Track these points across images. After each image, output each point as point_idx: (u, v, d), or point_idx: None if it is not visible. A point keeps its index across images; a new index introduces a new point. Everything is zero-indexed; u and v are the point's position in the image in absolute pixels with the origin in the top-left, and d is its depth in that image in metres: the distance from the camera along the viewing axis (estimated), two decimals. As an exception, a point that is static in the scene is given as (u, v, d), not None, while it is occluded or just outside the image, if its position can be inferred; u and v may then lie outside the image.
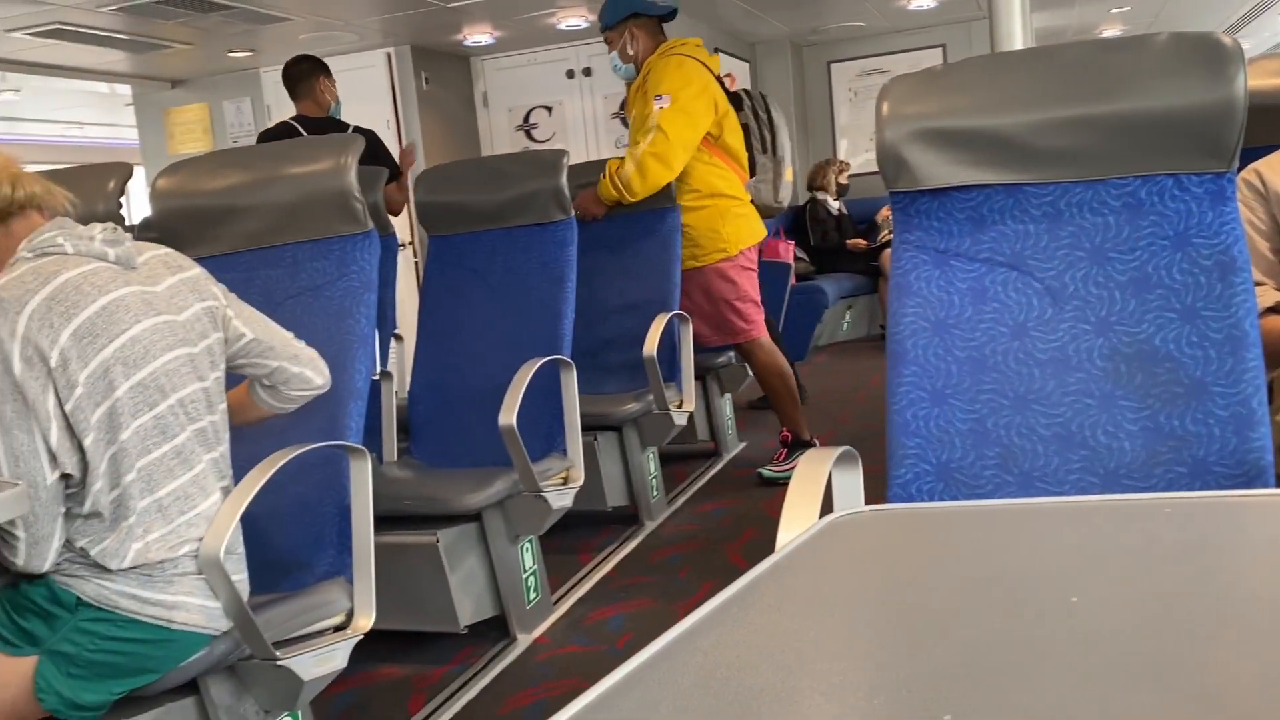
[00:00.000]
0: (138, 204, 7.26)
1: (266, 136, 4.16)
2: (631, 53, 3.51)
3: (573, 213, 2.87)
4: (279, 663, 1.64)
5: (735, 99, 3.66)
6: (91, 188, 2.38)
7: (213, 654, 1.60)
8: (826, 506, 1.14)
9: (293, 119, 4.13)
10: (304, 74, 4.18)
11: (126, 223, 2.11)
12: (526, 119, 7.16)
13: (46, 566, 1.46)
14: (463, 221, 2.93)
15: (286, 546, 1.93)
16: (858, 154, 7.90)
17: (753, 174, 3.75)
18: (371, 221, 2.07)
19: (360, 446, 1.88)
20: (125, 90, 7.43)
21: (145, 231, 2.49)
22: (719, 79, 3.54)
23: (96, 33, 5.69)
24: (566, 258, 2.85)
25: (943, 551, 0.80)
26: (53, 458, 1.44)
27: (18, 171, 1.56)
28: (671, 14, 3.59)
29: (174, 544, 1.54)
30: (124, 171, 2.13)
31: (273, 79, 6.86)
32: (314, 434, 1.91)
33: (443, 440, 2.84)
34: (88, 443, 1.47)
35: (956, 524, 0.87)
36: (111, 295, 1.51)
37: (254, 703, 1.72)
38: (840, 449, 1.31)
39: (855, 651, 0.62)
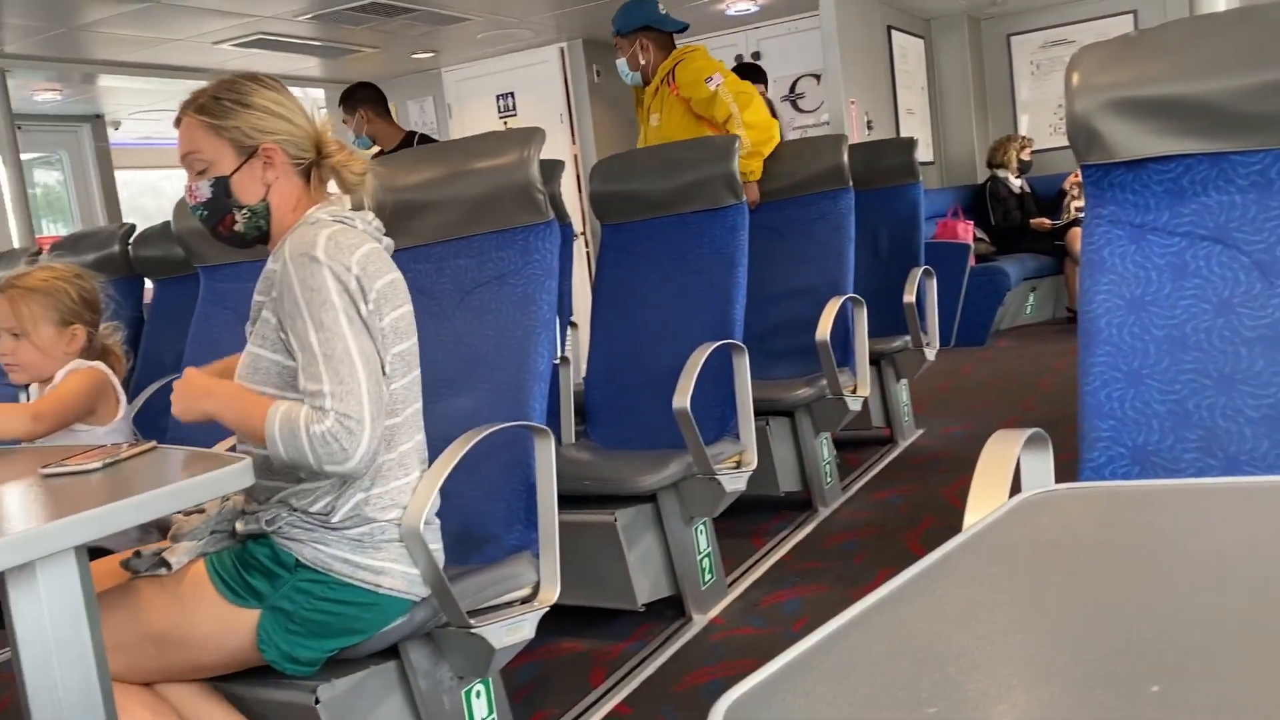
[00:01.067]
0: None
1: None
2: (642, 62, 3.75)
3: (744, 198, 2.88)
4: (473, 630, 1.73)
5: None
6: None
7: (413, 620, 1.70)
8: (1014, 490, 1.12)
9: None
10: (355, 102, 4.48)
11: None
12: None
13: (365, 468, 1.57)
14: (635, 210, 2.99)
15: (477, 521, 2.03)
16: (1040, 129, 7.56)
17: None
18: (552, 211, 2.14)
19: (544, 427, 1.96)
20: (317, 94, 7.87)
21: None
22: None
23: (293, 41, 6.06)
24: (738, 242, 2.86)
25: (1141, 530, 0.77)
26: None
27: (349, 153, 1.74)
28: (682, 29, 3.83)
29: (384, 506, 1.65)
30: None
31: (453, 78, 7.15)
32: (501, 415, 2.00)
33: (618, 423, 2.90)
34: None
35: (1155, 502, 0.84)
36: (394, 274, 1.68)
37: (449, 669, 1.82)
38: (1029, 430, 1.27)
39: (1053, 624, 0.62)
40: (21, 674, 1.23)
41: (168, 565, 1.61)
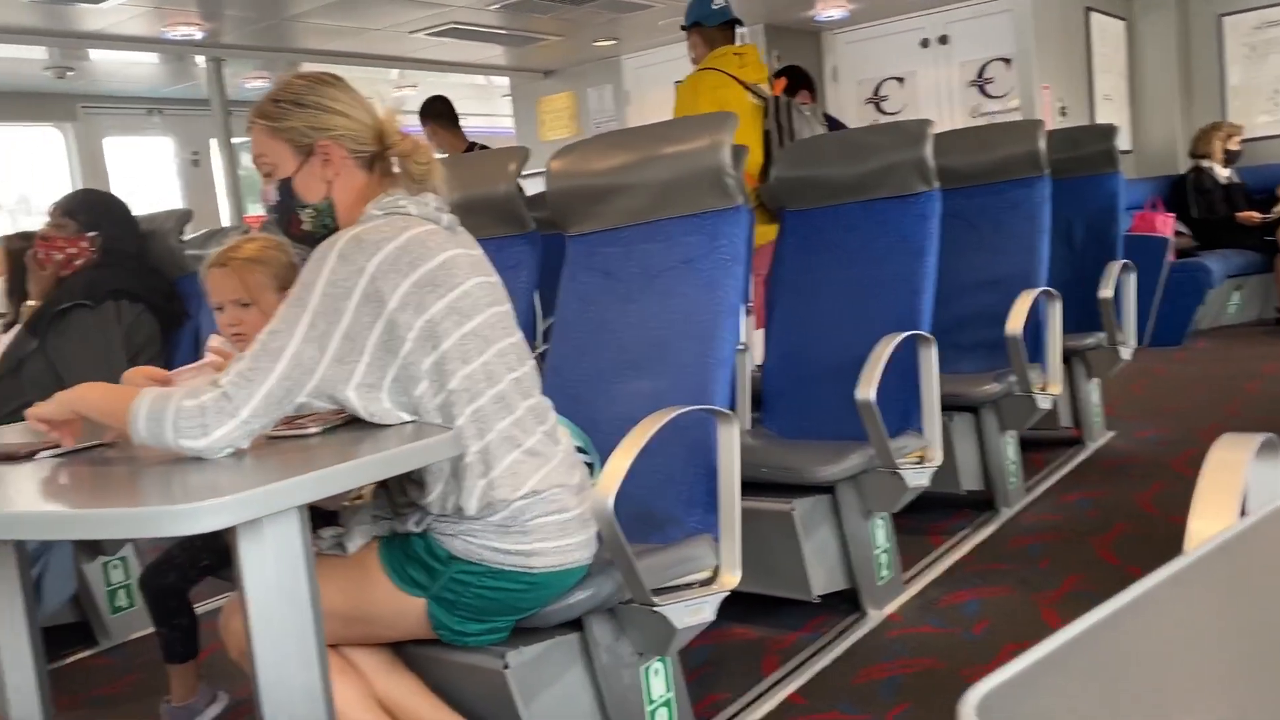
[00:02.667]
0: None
1: None
2: (693, 57, 3.97)
3: (936, 184, 2.79)
4: (656, 609, 1.75)
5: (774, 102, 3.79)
6: (494, 170, 2.64)
7: (598, 594, 1.73)
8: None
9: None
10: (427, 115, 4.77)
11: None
12: (876, 91, 7.03)
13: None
14: (820, 195, 2.94)
15: (656, 502, 2.05)
16: (1252, 115, 7.03)
17: (765, 179, 3.55)
18: (742, 196, 2.14)
19: (729, 412, 1.96)
20: (501, 82, 8.10)
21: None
22: (749, 86, 3.77)
23: (482, 30, 6.26)
24: (927, 231, 2.77)
25: None
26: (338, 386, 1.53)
27: (416, 142, 1.71)
28: (729, 22, 3.93)
29: (511, 485, 1.61)
30: (522, 155, 2.34)
31: (632, 65, 7.23)
32: (683, 398, 2.01)
33: (795, 412, 2.88)
34: (420, 391, 1.56)
35: None
36: (448, 253, 1.61)
37: (630, 645, 1.85)
38: (1262, 435, 1.19)
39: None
40: (248, 620, 1.33)
41: (344, 548, 1.68)
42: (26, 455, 1.58)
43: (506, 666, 1.70)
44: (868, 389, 2.37)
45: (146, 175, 7.52)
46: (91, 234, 2.98)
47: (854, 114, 6.98)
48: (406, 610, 1.65)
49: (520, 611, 1.69)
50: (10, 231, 3.97)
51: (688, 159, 2.16)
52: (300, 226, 1.68)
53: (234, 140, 6.21)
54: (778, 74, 4.65)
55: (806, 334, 2.90)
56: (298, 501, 1.32)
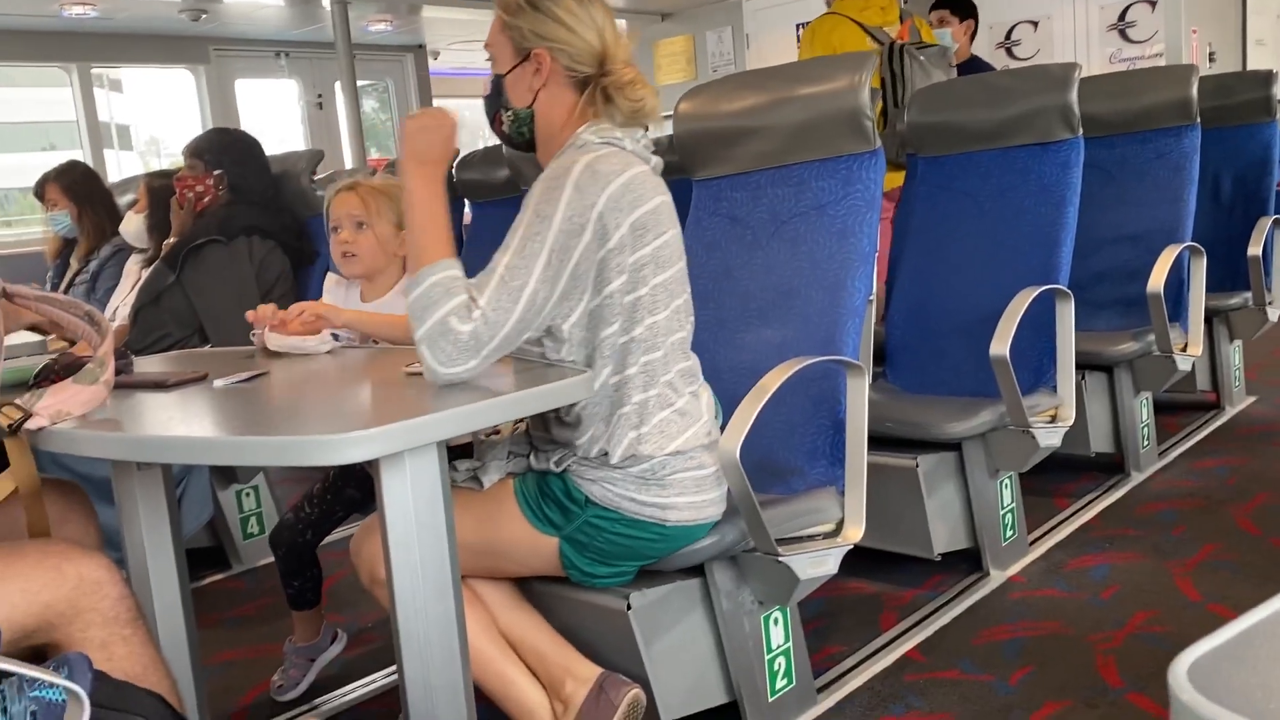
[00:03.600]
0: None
1: None
2: None
3: (1080, 131, 2.66)
4: (780, 559, 1.74)
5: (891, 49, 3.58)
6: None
7: (721, 542, 1.73)
8: None
9: None
10: None
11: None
12: (1008, 36, 6.73)
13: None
14: (955, 142, 2.83)
15: (779, 452, 2.03)
16: None
17: (884, 127, 3.40)
18: (879, 140, 2.06)
19: (858, 363, 1.92)
20: (620, 23, 8.00)
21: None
22: (870, 30, 3.61)
23: (602, -28, 6.17)
24: (1069, 181, 2.65)
25: None
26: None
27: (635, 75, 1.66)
28: None
29: (658, 441, 1.63)
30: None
31: (752, 8, 7.07)
32: (810, 349, 1.97)
33: (920, 366, 2.80)
34: (609, 331, 1.58)
35: None
36: (659, 198, 1.62)
37: (750, 593, 1.84)
38: None
39: None
40: (388, 550, 1.36)
41: (479, 482, 1.71)
42: (174, 384, 1.65)
43: (630, 607, 1.71)
44: (1002, 345, 2.29)
45: (273, 118, 7.72)
46: (217, 173, 3.07)
47: (984, 59, 6.71)
48: (538, 548, 1.67)
49: (647, 559, 1.70)
50: (139, 172, 4.12)
51: (824, 100, 2.09)
52: (501, 126, 1.70)
53: (358, 83, 6.31)
54: (934, 5, 4.45)
55: (935, 286, 2.81)
56: (439, 437, 1.34)
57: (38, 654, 1.41)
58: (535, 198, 1.54)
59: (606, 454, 1.62)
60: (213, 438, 1.26)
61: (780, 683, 1.92)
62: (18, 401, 1.38)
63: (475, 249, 3.90)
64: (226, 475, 3.02)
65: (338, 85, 7.41)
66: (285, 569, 2.14)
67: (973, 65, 4.50)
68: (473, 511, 1.66)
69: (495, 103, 1.69)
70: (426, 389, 1.47)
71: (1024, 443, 2.40)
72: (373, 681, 2.27)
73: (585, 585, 1.72)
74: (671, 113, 2.33)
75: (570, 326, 1.57)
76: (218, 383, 1.63)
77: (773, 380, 1.73)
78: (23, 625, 1.40)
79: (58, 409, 1.37)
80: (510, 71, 1.65)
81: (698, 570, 1.81)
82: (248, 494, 3.10)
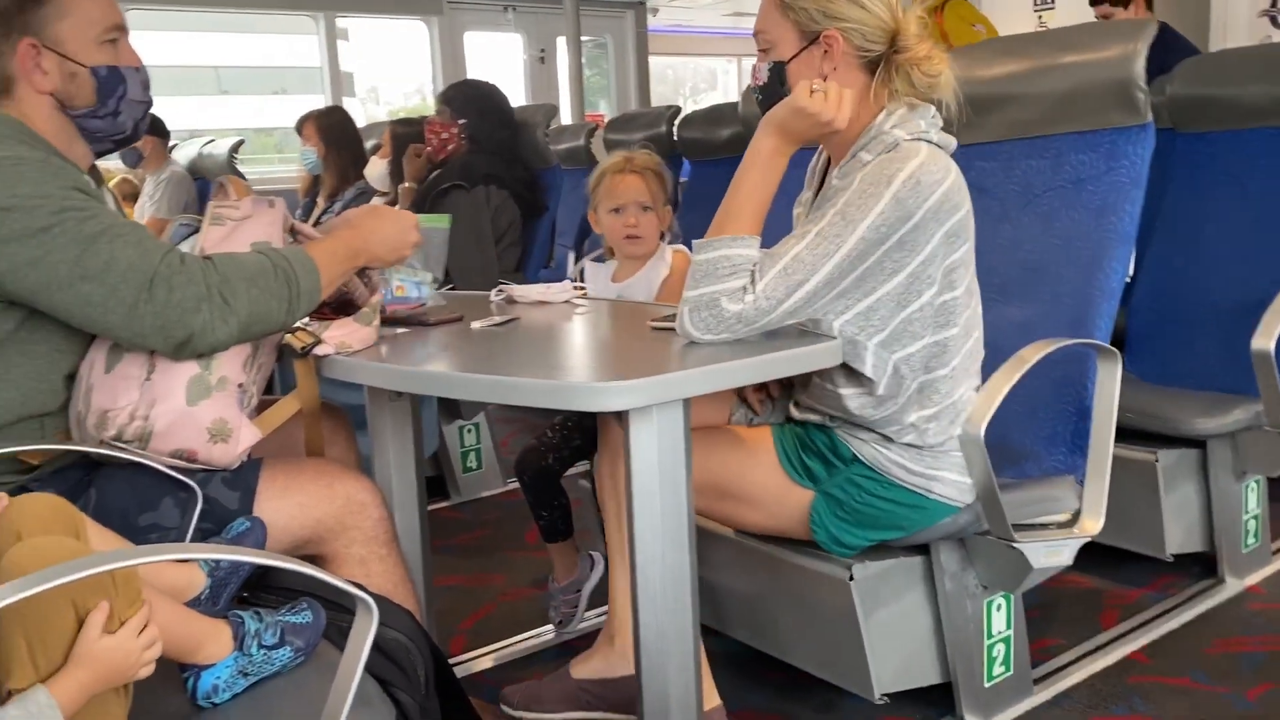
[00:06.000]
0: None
1: None
2: None
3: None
4: (1014, 545, 1.69)
5: None
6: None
7: (955, 523, 1.69)
8: None
9: None
10: None
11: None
12: (1274, 3, 6.16)
13: None
14: (1226, 118, 2.62)
15: (1016, 435, 1.96)
16: None
17: None
18: (1150, 113, 1.94)
19: (1111, 348, 1.82)
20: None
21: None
22: None
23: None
24: (1357, 166, 2.41)
25: None
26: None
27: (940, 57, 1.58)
28: None
29: (947, 429, 1.64)
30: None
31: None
32: (1057, 329, 1.89)
33: (1164, 356, 2.63)
34: (923, 340, 1.57)
35: None
36: (968, 203, 1.56)
37: (975, 577, 1.80)
38: None
39: None
40: (630, 499, 1.40)
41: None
42: (435, 323, 1.74)
43: (852, 578, 1.71)
44: (1267, 338, 2.13)
45: (496, 71, 7.99)
46: (461, 121, 3.20)
47: (1243, 31, 6.17)
48: (789, 499, 1.68)
49: (894, 531, 1.68)
50: (363, 120, 4.32)
51: (1091, 69, 1.98)
52: None
53: (583, 39, 6.42)
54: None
55: (1188, 271, 2.63)
56: (687, 394, 1.37)
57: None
58: (854, 186, 1.48)
59: (889, 424, 1.62)
60: (491, 377, 1.33)
61: (998, 669, 1.87)
62: (311, 328, 1.49)
63: (692, 208, 3.92)
64: (452, 411, 3.18)
65: (559, 40, 7.57)
66: (533, 499, 2.22)
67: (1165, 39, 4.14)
68: (726, 453, 1.69)
69: (777, 90, 1.57)
70: (673, 344, 1.50)
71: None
72: (599, 616, 2.28)
73: (812, 546, 1.72)
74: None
75: (841, 324, 1.53)
76: (475, 324, 1.72)
77: (1021, 362, 1.68)
78: (297, 535, 1.53)
79: (342, 340, 1.48)
80: (796, 56, 1.56)
81: (922, 549, 1.78)
82: (469, 430, 3.26)
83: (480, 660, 2.22)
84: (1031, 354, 1.68)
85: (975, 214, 2.17)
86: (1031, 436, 1.94)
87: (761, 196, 1.52)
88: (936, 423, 1.62)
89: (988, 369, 1.71)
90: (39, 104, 1.53)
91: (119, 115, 1.57)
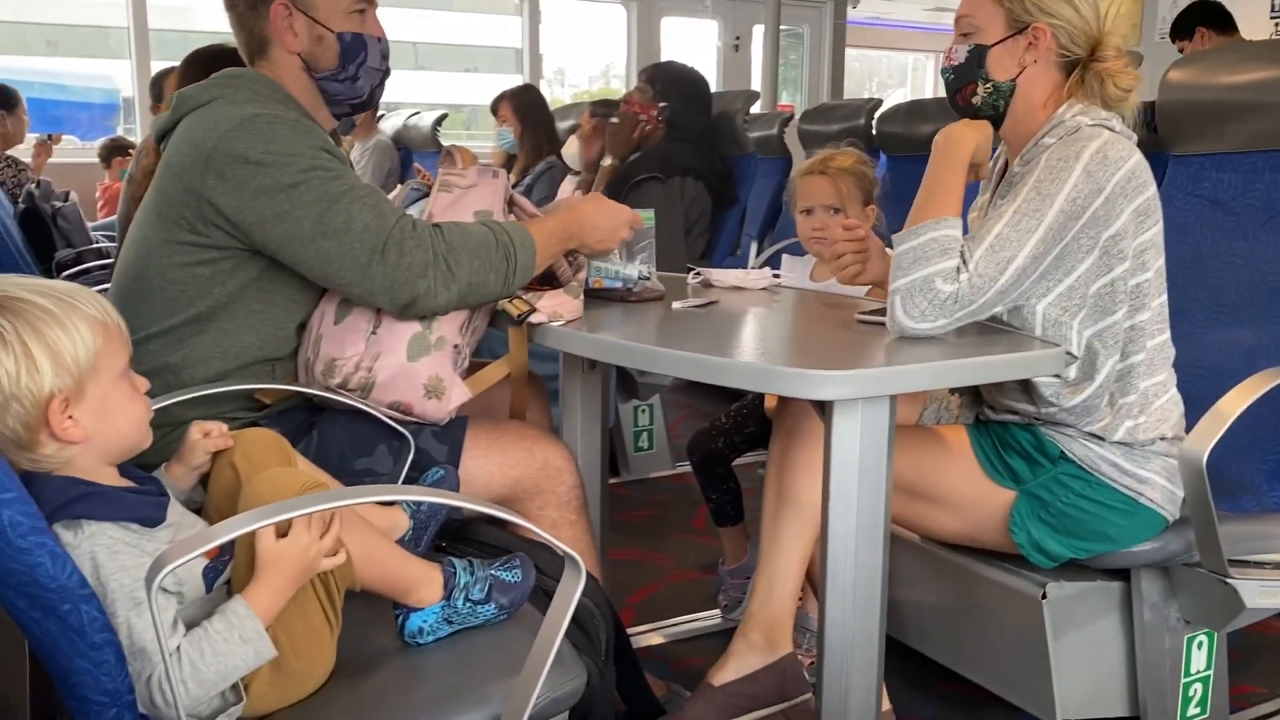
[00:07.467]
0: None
1: None
2: None
3: None
4: (1227, 580, 1.59)
5: None
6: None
7: (1163, 550, 1.60)
8: None
9: None
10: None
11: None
12: None
13: None
14: None
15: (1236, 466, 1.84)
16: None
17: None
18: None
19: (1358, 382, 1.68)
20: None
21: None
22: None
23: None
24: None
25: None
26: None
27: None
28: None
29: (1151, 430, 1.59)
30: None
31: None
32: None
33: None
34: (1113, 319, 1.53)
35: None
36: (1153, 186, 1.54)
37: (1177, 610, 1.70)
38: None
39: None
40: (827, 491, 1.39)
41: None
42: (637, 300, 1.77)
43: (1044, 596, 1.64)
44: None
45: (689, 57, 8.01)
46: (661, 105, 3.22)
47: None
48: (986, 500, 1.63)
49: (1103, 541, 1.61)
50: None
51: (1355, 79, 1.83)
52: (970, 98, 1.65)
53: (781, 28, 6.37)
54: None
55: None
56: (896, 390, 1.35)
57: (499, 522, 1.60)
58: (1039, 169, 1.51)
59: (1100, 427, 1.58)
60: (699, 355, 1.34)
61: (1193, 710, 1.76)
62: (526, 297, 1.54)
63: (892, 204, 3.84)
64: (629, 390, 3.23)
65: (755, 29, 7.54)
66: (703, 480, 2.24)
67: None
68: (920, 453, 1.65)
69: (972, 73, 1.63)
70: (881, 338, 1.47)
71: None
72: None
73: (1004, 560, 1.67)
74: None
75: (1045, 306, 1.53)
76: (676, 304, 1.74)
77: (1251, 389, 1.57)
78: (496, 494, 1.58)
79: (554, 310, 1.52)
80: (1000, 42, 1.61)
81: (1121, 574, 1.70)
82: (644, 410, 3.30)
83: (649, 635, 2.25)
84: (1266, 381, 1.57)
85: (1208, 227, 2.07)
86: (1252, 469, 1.82)
87: (958, 182, 1.55)
88: (1146, 417, 1.59)
89: (1210, 393, 1.61)
90: (290, 65, 1.63)
91: (358, 80, 1.66)
